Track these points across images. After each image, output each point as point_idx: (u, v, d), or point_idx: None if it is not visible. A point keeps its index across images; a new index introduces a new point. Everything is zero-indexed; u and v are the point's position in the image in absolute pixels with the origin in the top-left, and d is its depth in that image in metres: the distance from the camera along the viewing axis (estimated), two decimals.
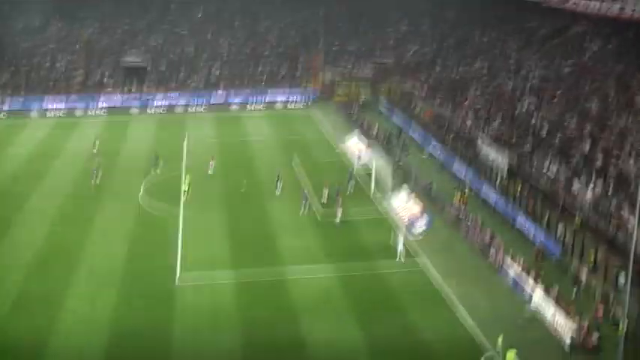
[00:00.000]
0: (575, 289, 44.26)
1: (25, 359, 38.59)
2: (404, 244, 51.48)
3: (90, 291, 46.40)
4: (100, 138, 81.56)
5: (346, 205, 59.44)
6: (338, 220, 56.94)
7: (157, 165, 70.74)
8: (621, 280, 43.20)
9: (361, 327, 41.79)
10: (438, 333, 41.29)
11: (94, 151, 76.96)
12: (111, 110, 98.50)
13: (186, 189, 62.38)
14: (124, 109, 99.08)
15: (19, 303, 44.88)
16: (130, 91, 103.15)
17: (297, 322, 42.44)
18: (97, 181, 67.04)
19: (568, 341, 39.14)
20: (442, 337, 40.68)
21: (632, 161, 52.27)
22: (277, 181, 65.28)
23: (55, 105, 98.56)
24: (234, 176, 69.32)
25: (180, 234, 52.80)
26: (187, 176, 61.47)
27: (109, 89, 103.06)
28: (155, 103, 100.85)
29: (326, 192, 61.65)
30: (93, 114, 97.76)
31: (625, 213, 47.26)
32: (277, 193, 64.57)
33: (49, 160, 75.92)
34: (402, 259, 51.09)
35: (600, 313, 40.92)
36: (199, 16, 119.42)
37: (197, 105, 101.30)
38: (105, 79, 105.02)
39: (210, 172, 69.02)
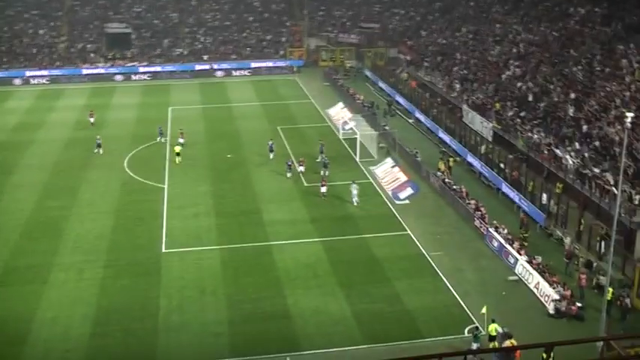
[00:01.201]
0: (566, 262, 44.34)
1: (12, 332, 38.48)
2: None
3: (76, 262, 46.34)
4: (90, 107, 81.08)
5: (332, 172, 59.37)
6: (323, 192, 56.59)
7: (163, 135, 70.20)
8: (604, 247, 43.51)
9: (347, 295, 41.90)
10: (423, 301, 41.43)
11: (92, 121, 76.01)
12: (95, 78, 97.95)
13: (179, 152, 63.69)
14: (108, 77, 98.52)
15: (4, 275, 44.85)
16: (114, 59, 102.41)
17: (282, 290, 42.52)
18: (101, 152, 66.52)
19: (551, 309, 39.41)
20: (429, 306, 40.81)
21: (617, 126, 52.32)
22: (270, 146, 65.26)
23: (38, 73, 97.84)
24: (220, 143, 69.18)
25: (166, 203, 52.91)
26: (181, 141, 63.18)
27: (93, 57, 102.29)
28: (140, 71, 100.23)
29: (302, 167, 60.86)
30: (77, 82, 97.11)
31: (610, 179, 47.46)
32: (271, 157, 64.58)
33: (34, 130, 75.52)
34: (356, 203, 54.82)
35: (584, 282, 41.17)
36: None
37: (182, 72, 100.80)
38: (88, 47, 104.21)
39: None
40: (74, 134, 73.25)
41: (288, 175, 60.53)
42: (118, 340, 37.74)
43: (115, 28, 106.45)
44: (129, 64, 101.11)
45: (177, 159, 64.05)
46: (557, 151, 53.45)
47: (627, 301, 38.53)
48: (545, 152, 54.93)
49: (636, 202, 44.11)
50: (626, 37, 64.79)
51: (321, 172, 59.71)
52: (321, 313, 40.17)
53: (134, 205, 55.22)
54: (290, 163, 61.59)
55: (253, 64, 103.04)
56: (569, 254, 44.51)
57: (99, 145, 66.70)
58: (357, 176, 60.47)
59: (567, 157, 52.13)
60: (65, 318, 39.86)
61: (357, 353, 35.72)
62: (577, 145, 53.16)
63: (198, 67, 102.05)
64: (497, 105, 66.70)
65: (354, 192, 55.53)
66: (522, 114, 62.52)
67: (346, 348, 36.50)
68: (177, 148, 65.12)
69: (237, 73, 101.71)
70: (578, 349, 30.49)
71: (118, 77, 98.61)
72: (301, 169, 59.76)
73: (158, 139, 69.82)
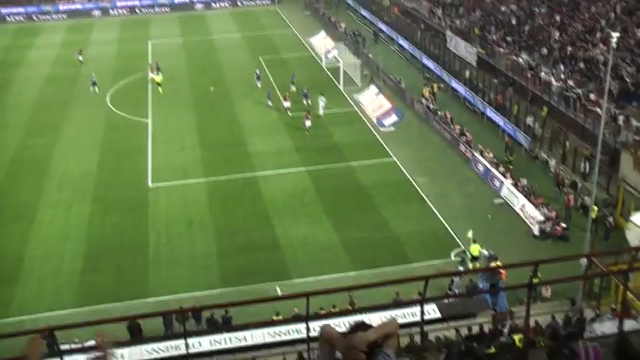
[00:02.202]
0: (556, 189, 44.54)
1: (3, 272, 38.59)
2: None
3: (63, 199, 46.37)
4: (70, 44, 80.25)
5: (316, 100, 59.24)
6: (308, 126, 56.34)
7: (159, 72, 68.49)
8: (588, 167, 43.79)
9: (334, 223, 42.23)
10: (410, 226, 41.79)
11: (80, 59, 74.55)
12: (72, 14, 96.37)
13: (159, 82, 64.01)
14: (85, 13, 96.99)
15: None
16: None
17: (270, 221, 42.76)
18: (97, 90, 65.44)
19: (536, 230, 39.81)
20: (416, 231, 41.17)
21: (601, 47, 52.21)
22: (257, 75, 65.18)
23: (14, 10, 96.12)
24: (202, 76, 68.74)
25: (150, 137, 52.75)
26: (159, 73, 63.69)
27: None
28: (117, 5, 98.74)
29: (287, 103, 59.36)
30: (54, 19, 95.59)
31: (595, 99, 47.55)
32: (259, 85, 64.46)
33: (13, 68, 74.51)
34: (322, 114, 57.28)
35: (571, 202, 41.50)
36: None
37: (161, 6, 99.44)
38: None
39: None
40: (54, 71, 72.43)
41: (269, 103, 60.44)
42: (110, 275, 38.00)
43: None
44: None
45: (160, 89, 64.41)
46: (542, 74, 53.31)
47: (610, 219, 38.97)
48: (530, 75, 54.77)
49: (620, 122, 44.26)
50: None
51: (304, 103, 59.43)
52: (309, 241, 40.51)
53: (119, 141, 54.95)
54: (269, 92, 61.50)
55: None
56: (560, 181, 44.67)
57: (94, 84, 65.53)
58: (341, 104, 60.52)
59: (552, 79, 52.05)
60: (56, 255, 40.07)
61: (346, 279, 36.09)
62: (562, 67, 53.03)
63: (176, 0, 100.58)
64: (477, 30, 66.32)
65: (321, 104, 57.97)
66: (508, 38, 62.17)
67: (335, 275, 36.84)
68: (159, 78, 65.26)
69: (217, 5, 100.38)
70: (563, 267, 31.00)
71: (96, 12, 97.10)
72: (287, 104, 58.66)
73: (153, 74, 68.59)
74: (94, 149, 53.51)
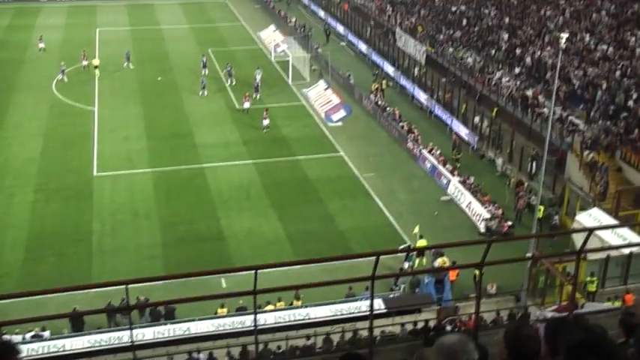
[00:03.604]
0: (506, 189, 44.85)
1: None
2: None
3: (5, 186, 45.43)
4: (11, 28, 78.83)
5: (264, 94, 58.99)
6: (245, 107, 56.79)
7: (129, 60, 68.09)
8: (535, 167, 44.27)
9: (280, 216, 42.06)
10: (356, 221, 41.77)
11: (41, 46, 72.50)
12: None
13: (97, 65, 64.57)
14: None
15: None
16: None
17: (216, 213, 42.43)
18: (66, 79, 63.96)
19: (482, 228, 40.10)
20: (361, 226, 41.17)
21: (549, 50, 52.79)
22: (229, 70, 64.28)
23: None
24: (150, 66, 67.98)
25: (96, 126, 51.94)
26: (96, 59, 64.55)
27: None
28: None
29: (247, 104, 57.80)
30: None
31: (542, 101, 48.10)
32: (233, 83, 63.66)
33: None
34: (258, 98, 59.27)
35: (522, 203, 41.71)
36: None
37: None
38: None
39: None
40: (35, 61, 70.67)
41: (203, 93, 60.67)
42: (52, 265, 37.24)
43: None
44: None
45: (97, 72, 64.62)
46: (495, 76, 53.62)
47: (556, 218, 39.44)
48: (479, 75, 55.18)
49: (567, 124, 44.87)
50: None
51: (254, 96, 59.03)
52: (254, 234, 40.25)
53: (64, 128, 53.98)
54: (204, 80, 61.46)
55: None
56: (500, 174, 45.01)
57: (63, 72, 64.09)
58: (289, 98, 60.38)
59: (503, 79, 52.47)
60: None
61: (291, 272, 35.86)
62: (508, 68, 53.53)
63: None
64: (420, 28, 66.79)
65: (258, 77, 61.15)
66: (457, 34, 62.61)
67: (279, 268, 36.50)
68: (96, 62, 65.77)
69: None
70: (508, 267, 31.20)
71: None
72: (247, 105, 57.06)
73: (125, 64, 67.86)
74: (38, 135, 52.51)
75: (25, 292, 25.89)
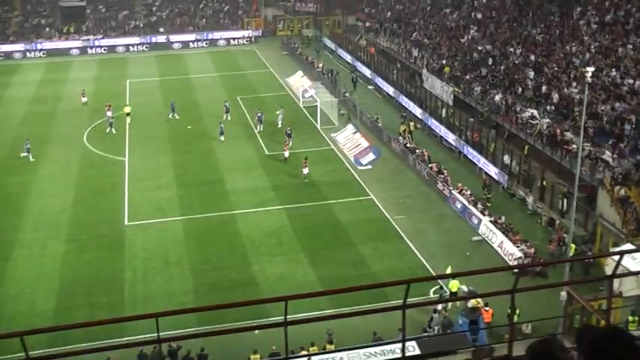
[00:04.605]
0: (538, 228, 44.54)
1: None
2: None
3: (39, 237, 45.78)
4: (44, 82, 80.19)
5: (294, 139, 59.41)
6: (285, 157, 56.83)
7: (174, 111, 68.67)
8: (566, 205, 43.92)
9: (311, 261, 42.02)
10: (388, 264, 41.56)
11: (84, 100, 72.79)
12: (51, 53, 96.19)
13: (129, 112, 65.82)
14: (64, 52, 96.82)
15: None
16: (69, 32, 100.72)
17: (247, 259, 42.45)
18: (114, 131, 64.62)
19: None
20: (393, 268, 40.90)
21: (576, 87, 52.65)
22: (259, 117, 64.63)
23: None
24: (180, 114, 68.48)
25: (127, 175, 52.32)
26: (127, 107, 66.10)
27: (48, 31, 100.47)
28: (95, 44, 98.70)
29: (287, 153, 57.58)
30: (33, 57, 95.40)
31: (571, 138, 47.86)
32: (260, 129, 64.15)
33: None
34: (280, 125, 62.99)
35: (554, 247, 41.30)
36: None
37: (138, 45, 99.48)
38: (43, 22, 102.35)
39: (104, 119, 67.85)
40: (31, 109, 72.01)
41: (221, 138, 61.25)
42: (84, 314, 37.31)
43: (69, 2, 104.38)
44: (84, 38, 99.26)
45: (128, 119, 66.13)
46: (526, 114, 53.33)
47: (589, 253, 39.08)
48: (512, 114, 54.95)
49: (596, 160, 44.57)
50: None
51: (288, 142, 59.06)
52: (286, 279, 40.18)
53: (95, 179, 54.55)
54: (222, 127, 62.04)
55: (211, 35, 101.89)
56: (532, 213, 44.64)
57: (111, 124, 64.77)
58: (318, 143, 60.60)
59: (537, 117, 52.20)
60: (29, 294, 39.43)
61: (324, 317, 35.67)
62: (535, 106, 53.41)
63: (154, 39, 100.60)
64: (447, 69, 66.96)
65: (280, 115, 64.70)
66: (484, 73, 62.68)
67: (313, 313, 36.45)
68: (127, 109, 67.11)
69: (195, 44, 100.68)
70: (543, 307, 30.79)
71: (74, 51, 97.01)
72: (287, 154, 57.06)
73: (170, 115, 68.37)
74: (70, 187, 53.07)
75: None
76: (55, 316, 37.12)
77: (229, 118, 65.84)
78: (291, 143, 58.85)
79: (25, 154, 58.67)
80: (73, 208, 49.77)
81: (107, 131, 64.28)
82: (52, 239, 45.44)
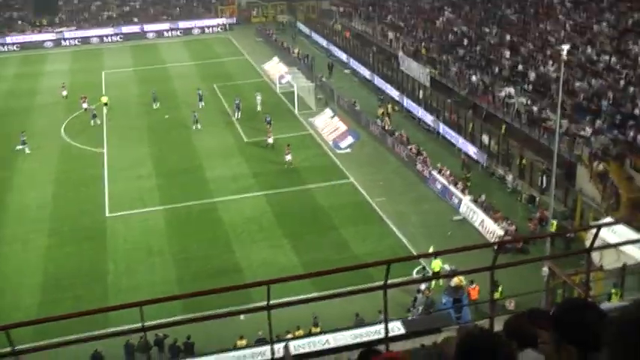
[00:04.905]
0: (519, 205, 44.78)
1: None
2: None
3: (20, 232, 45.58)
4: (18, 76, 79.66)
5: (277, 126, 59.44)
6: (269, 142, 57.02)
7: (156, 101, 68.43)
8: (545, 182, 44.20)
9: (294, 246, 42.13)
10: (370, 246, 41.70)
11: (64, 93, 71.94)
12: (24, 46, 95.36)
13: (106, 102, 66.25)
14: (37, 44, 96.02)
15: None
16: (42, 24, 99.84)
17: (230, 246, 42.48)
18: (99, 121, 64.16)
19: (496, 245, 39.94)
20: (376, 250, 40.99)
21: (552, 65, 52.90)
22: (237, 104, 64.70)
23: None
24: (157, 104, 68.21)
25: (106, 167, 52.18)
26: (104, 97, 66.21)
27: (20, 24, 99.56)
28: (69, 36, 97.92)
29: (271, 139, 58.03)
30: (6, 50, 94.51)
31: (548, 116, 48.13)
32: (238, 117, 64.12)
33: None
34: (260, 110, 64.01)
35: (533, 228, 41.56)
36: None
37: (112, 35, 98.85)
38: (15, 14, 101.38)
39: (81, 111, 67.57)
40: (7, 104, 71.49)
41: (198, 126, 61.54)
42: (69, 307, 37.07)
43: None
44: (57, 30, 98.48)
45: (105, 109, 66.28)
46: (502, 93, 53.48)
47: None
48: (489, 94, 55.12)
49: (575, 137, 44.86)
50: None
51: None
52: (269, 264, 40.15)
53: (75, 172, 54.31)
54: (196, 115, 62.23)
55: (185, 24, 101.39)
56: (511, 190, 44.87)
57: (94, 116, 64.32)
58: (296, 128, 60.59)
59: (513, 96, 52.36)
60: (13, 289, 39.30)
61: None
62: (513, 85, 53.65)
63: (128, 29, 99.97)
64: (423, 51, 67.04)
65: (258, 99, 65.40)
66: (460, 54, 62.84)
67: (296, 297, 36.49)
68: (104, 99, 67.46)
69: (169, 34, 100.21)
70: (525, 283, 31.03)
71: (48, 44, 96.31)
72: (270, 140, 57.10)
73: (155, 105, 68.10)
74: (50, 181, 52.83)
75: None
76: (40, 310, 36.96)
77: (203, 105, 66.02)
78: (270, 133, 58.69)
79: (21, 146, 58.59)
80: (54, 201, 49.55)
81: (92, 124, 63.75)
82: (34, 233, 45.22)
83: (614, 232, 32.52)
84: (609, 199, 39.97)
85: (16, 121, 65.77)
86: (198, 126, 61.20)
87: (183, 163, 55.14)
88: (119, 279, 39.75)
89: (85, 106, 66.70)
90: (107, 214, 47.32)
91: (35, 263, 41.75)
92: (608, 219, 36.00)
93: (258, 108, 64.84)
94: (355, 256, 40.39)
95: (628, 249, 29.96)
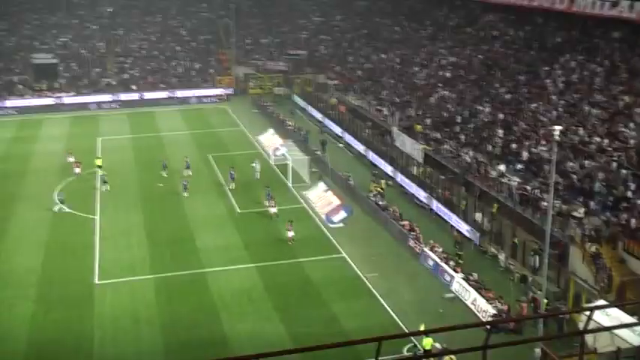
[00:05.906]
0: (511, 285, 44.52)
1: None
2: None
3: (6, 297, 45.08)
4: (15, 140, 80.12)
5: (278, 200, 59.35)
6: (273, 212, 57.26)
7: (165, 169, 68.17)
8: (538, 261, 44.04)
9: (283, 319, 41.74)
10: (360, 322, 41.29)
11: (71, 160, 70.26)
12: (22, 110, 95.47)
13: (100, 164, 66.68)
14: (35, 109, 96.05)
15: None
16: (41, 89, 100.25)
17: (218, 317, 42.06)
18: (108, 188, 63.75)
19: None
20: (366, 326, 40.56)
21: (544, 145, 53.23)
22: (231, 174, 64.69)
23: None
24: (151, 172, 68.28)
25: (98, 234, 51.94)
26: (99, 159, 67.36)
27: (20, 89, 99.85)
28: (67, 102, 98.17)
29: (274, 209, 57.91)
30: (5, 114, 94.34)
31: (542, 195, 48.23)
32: (232, 187, 63.94)
33: None
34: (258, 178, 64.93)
35: (524, 311, 41.19)
36: (109, 10, 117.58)
37: (110, 102, 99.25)
38: (15, 79, 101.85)
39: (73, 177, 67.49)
40: (1, 167, 71.38)
41: (185, 194, 61.59)
42: None
43: (41, 59, 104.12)
44: (57, 95, 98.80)
45: (100, 171, 66.71)
46: (495, 172, 53.66)
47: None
48: (482, 172, 55.26)
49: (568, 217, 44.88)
50: (548, 59, 66.51)
51: (266, 203, 58.96)
52: (257, 337, 39.72)
53: (65, 238, 53.99)
54: (185, 183, 62.44)
55: (182, 93, 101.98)
56: (504, 269, 44.69)
57: (105, 182, 64.11)
58: (290, 201, 60.51)
59: (506, 174, 52.55)
60: None
61: None
62: (505, 164, 53.92)
63: (126, 96, 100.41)
64: (418, 127, 67.46)
65: (257, 167, 66.61)
66: (455, 131, 63.25)
67: None
68: (99, 162, 68.23)
69: (167, 102, 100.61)
70: None
71: (46, 109, 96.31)
72: (274, 210, 57.35)
73: (162, 173, 67.88)
74: (40, 246, 52.36)
75: None
76: None
77: (190, 173, 66.07)
78: (273, 203, 58.35)
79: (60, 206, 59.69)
80: (42, 267, 49.09)
81: (104, 190, 63.52)
82: (19, 299, 44.67)
83: (608, 315, 32.28)
84: (601, 282, 39.83)
85: (9, 184, 65.65)
86: (186, 194, 61.38)
87: (175, 231, 54.93)
88: (104, 348, 39.22)
89: (77, 171, 66.66)
90: (96, 282, 46.89)
91: (19, 329, 41.15)
92: (602, 301, 35.79)
93: (257, 176, 65.64)
94: (345, 332, 39.94)
95: (622, 332, 29.65)
